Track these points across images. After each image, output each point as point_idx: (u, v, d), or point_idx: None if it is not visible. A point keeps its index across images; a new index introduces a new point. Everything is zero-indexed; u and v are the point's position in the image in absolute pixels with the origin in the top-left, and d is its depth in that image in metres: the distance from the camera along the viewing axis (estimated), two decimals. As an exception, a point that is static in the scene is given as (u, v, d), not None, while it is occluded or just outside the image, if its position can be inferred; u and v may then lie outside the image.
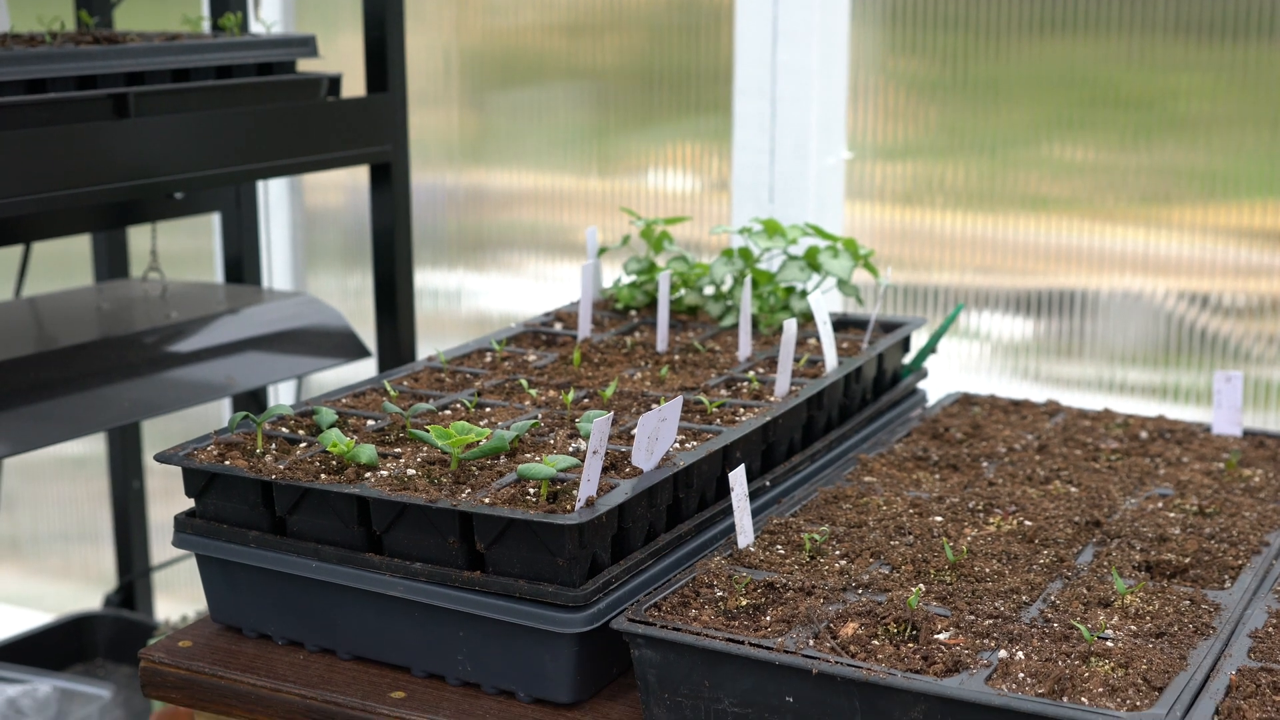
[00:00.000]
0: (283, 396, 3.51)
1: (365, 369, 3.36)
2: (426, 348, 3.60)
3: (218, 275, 3.48)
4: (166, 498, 3.53)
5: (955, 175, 3.09)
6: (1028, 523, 1.87)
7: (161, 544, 3.48)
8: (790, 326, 2.08)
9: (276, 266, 3.68)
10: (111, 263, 3.10)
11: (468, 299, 3.64)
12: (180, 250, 3.71)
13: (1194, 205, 2.92)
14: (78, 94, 2.20)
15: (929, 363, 2.53)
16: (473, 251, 3.62)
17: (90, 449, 3.81)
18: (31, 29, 2.60)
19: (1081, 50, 2.94)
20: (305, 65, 2.64)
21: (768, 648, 1.55)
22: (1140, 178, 2.95)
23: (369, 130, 2.59)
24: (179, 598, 3.76)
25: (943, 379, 3.15)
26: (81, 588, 4.17)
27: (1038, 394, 3.07)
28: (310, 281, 3.79)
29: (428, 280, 3.66)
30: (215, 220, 3.35)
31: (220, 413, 3.62)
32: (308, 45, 2.56)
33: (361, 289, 3.73)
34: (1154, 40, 2.88)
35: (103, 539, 3.90)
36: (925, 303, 3.16)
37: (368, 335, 2.84)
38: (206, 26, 2.79)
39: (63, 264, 3.68)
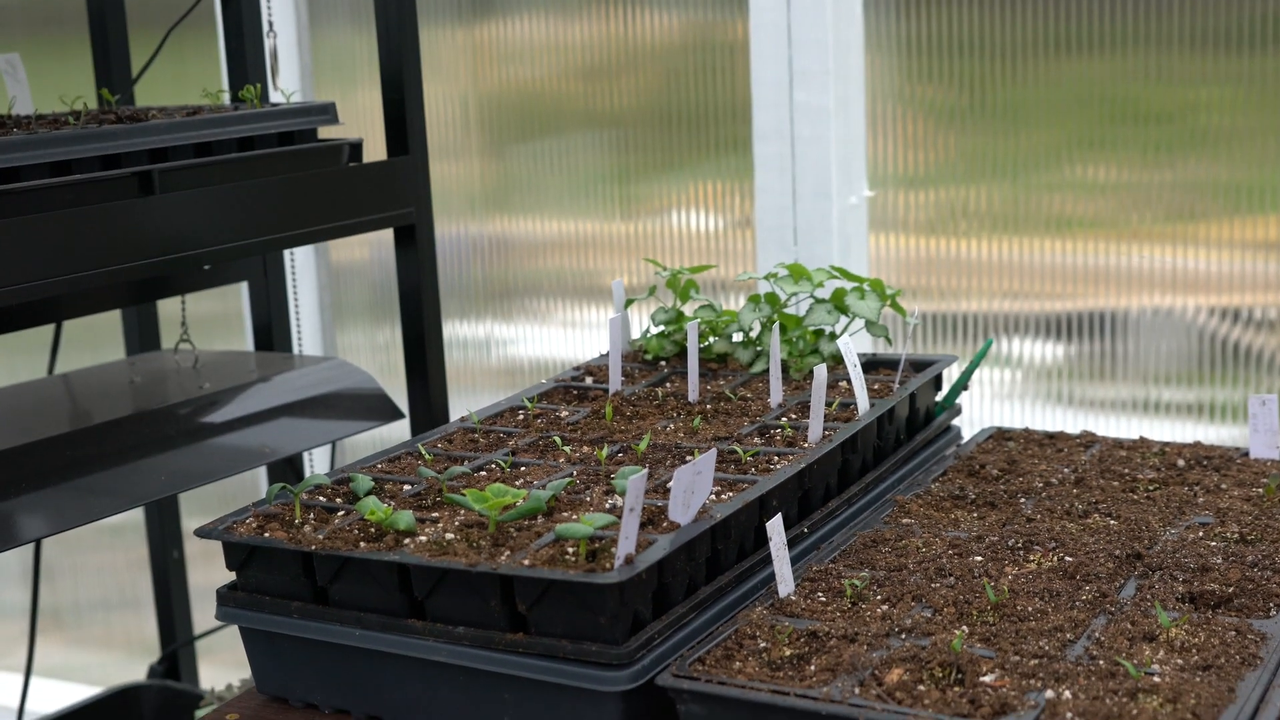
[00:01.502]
0: (318, 461, 3.52)
1: (399, 429, 3.36)
2: (458, 400, 3.61)
3: (247, 337, 3.49)
4: (206, 562, 3.54)
5: (979, 201, 3.09)
6: (1068, 558, 1.87)
7: (203, 609, 3.48)
8: (820, 372, 2.08)
9: (305, 327, 3.69)
10: (143, 334, 3.12)
11: (497, 348, 3.65)
12: (208, 313, 3.73)
13: (1220, 220, 2.91)
14: (102, 174, 2.22)
15: (962, 396, 2.52)
16: (500, 300, 3.63)
17: (128, 517, 3.83)
18: (54, 108, 2.63)
19: (1099, 68, 2.94)
20: (326, 131, 2.65)
21: (814, 698, 1.55)
22: (1165, 194, 2.94)
23: (392, 194, 2.60)
24: (224, 662, 3.77)
25: (977, 408, 3.14)
26: (125, 657, 4.18)
27: (1073, 418, 3.07)
28: (339, 339, 3.81)
29: (456, 331, 3.67)
30: (243, 285, 3.37)
31: (257, 479, 3.63)
32: (328, 113, 2.58)
33: (390, 343, 3.75)
34: (1171, 55, 2.88)
35: (144, 605, 3.91)
36: (955, 332, 3.15)
37: (399, 389, 2.85)
38: (226, 99, 2.81)
39: (94, 335, 3.71)
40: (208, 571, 3.56)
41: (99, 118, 2.43)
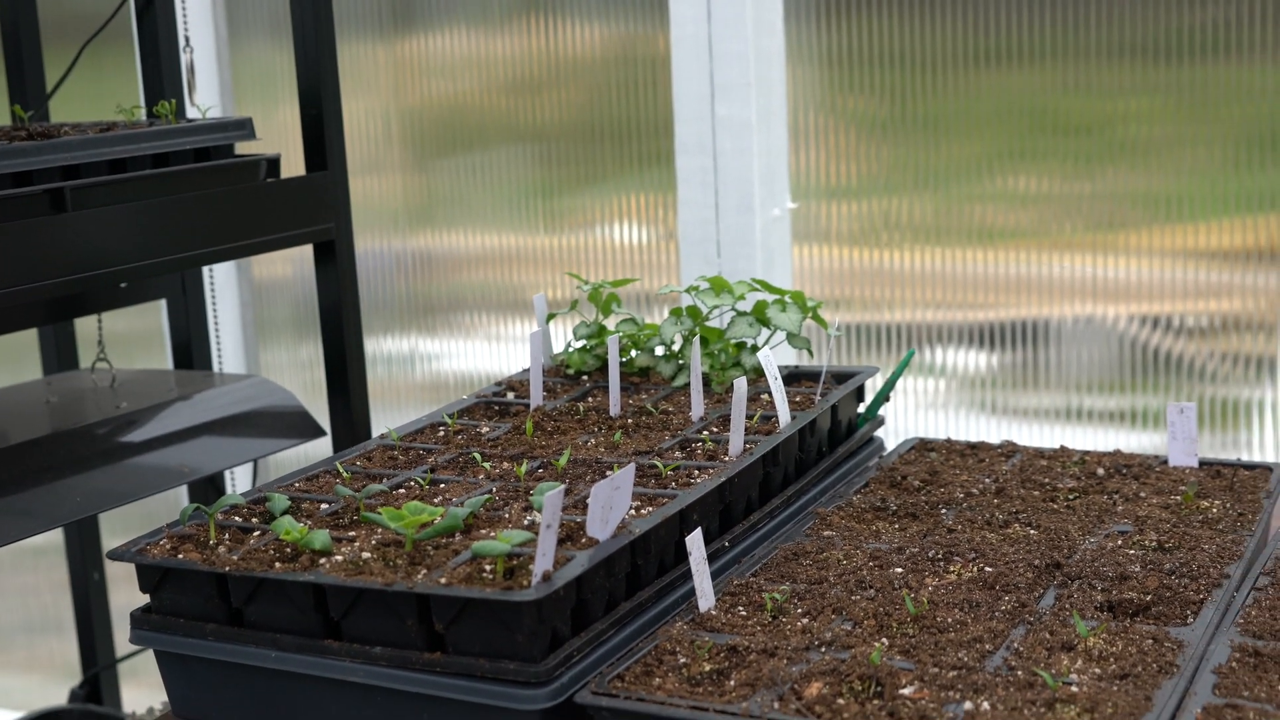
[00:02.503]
0: (240, 480, 3.48)
1: (322, 447, 3.34)
2: (382, 416, 3.58)
3: (167, 354, 3.46)
4: (129, 583, 3.49)
5: (903, 212, 3.10)
6: (988, 569, 1.87)
7: (125, 631, 3.44)
8: (740, 385, 2.08)
9: (226, 344, 3.66)
10: (60, 353, 3.08)
11: (421, 363, 3.63)
12: (127, 330, 3.69)
13: (1143, 229, 2.94)
14: (13, 191, 2.19)
15: (886, 406, 2.52)
16: (424, 315, 3.62)
17: (48, 539, 3.79)
18: (-35, 126, 2.59)
19: (1021, 80, 2.95)
20: (244, 147, 2.63)
21: (733, 713, 1.54)
22: (1088, 205, 2.96)
23: (311, 209, 2.58)
24: (147, 684, 3.72)
25: (902, 418, 3.15)
26: (46, 680, 4.12)
27: (997, 426, 3.08)
28: (262, 355, 3.77)
29: (380, 347, 3.65)
30: (163, 302, 3.33)
31: (180, 499, 3.58)
32: (245, 128, 2.56)
33: (313, 359, 3.72)
34: (1091, 66, 2.89)
35: (66, 628, 3.86)
36: (880, 342, 3.16)
37: (322, 406, 2.83)
38: (143, 114, 2.78)
39: (10, 354, 3.66)
40: (130, 593, 3.50)
41: (10, 134, 2.40)
